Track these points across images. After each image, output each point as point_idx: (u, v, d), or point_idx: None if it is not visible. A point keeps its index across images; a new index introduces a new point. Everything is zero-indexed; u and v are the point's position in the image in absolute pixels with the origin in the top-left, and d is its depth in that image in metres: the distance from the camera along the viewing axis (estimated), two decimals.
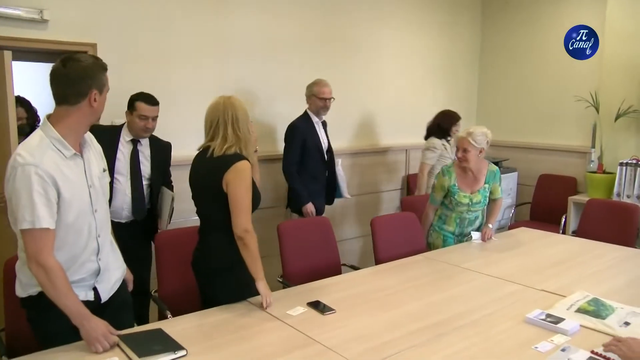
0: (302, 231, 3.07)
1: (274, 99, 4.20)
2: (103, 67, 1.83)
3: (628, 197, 4.40)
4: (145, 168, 3.02)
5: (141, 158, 3.01)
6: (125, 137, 2.97)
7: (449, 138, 4.32)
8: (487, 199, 3.35)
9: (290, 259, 2.94)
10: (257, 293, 2.23)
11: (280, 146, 4.02)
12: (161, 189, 3.11)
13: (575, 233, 4.10)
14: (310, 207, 3.62)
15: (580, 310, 2.13)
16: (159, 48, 3.59)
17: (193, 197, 2.35)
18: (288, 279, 2.87)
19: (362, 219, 4.80)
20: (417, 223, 3.42)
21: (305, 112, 3.82)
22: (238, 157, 2.21)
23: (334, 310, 2.18)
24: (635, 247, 3.51)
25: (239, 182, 2.18)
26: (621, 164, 4.47)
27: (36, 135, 1.78)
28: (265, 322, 2.07)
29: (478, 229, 3.38)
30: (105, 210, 1.99)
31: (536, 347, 1.85)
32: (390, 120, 5.09)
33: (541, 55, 5.42)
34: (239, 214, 2.17)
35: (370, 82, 4.90)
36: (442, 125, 4.33)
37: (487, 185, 3.32)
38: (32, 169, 1.67)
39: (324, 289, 2.47)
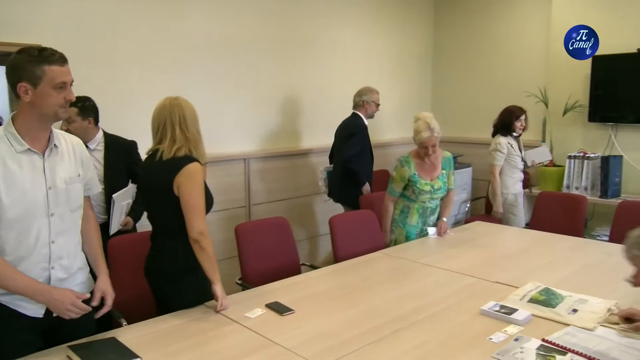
0: (260, 232, 3.05)
1: (227, 98, 4.15)
2: (39, 60, 1.70)
3: (577, 188, 4.56)
4: (98, 172, 2.88)
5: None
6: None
7: (514, 134, 4.25)
8: (447, 179, 3.39)
9: (248, 261, 2.91)
10: (213, 297, 2.19)
11: (231, 147, 4.00)
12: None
13: (528, 225, 4.22)
14: (367, 186, 4.23)
15: (532, 300, 2.19)
16: (108, 48, 3.50)
17: (144, 202, 2.29)
18: (247, 281, 2.84)
19: (320, 217, 4.81)
20: (375, 221, 3.45)
21: (357, 115, 4.30)
22: (188, 159, 2.17)
23: (292, 310, 2.17)
24: (584, 237, 3.64)
25: (190, 184, 2.14)
26: (569, 157, 4.63)
27: None
28: (223, 326, 2.04)
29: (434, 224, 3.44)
30: (70, 218, 1.87)
31: (490, 338, 1.89)
32: (345, 117, 5.11)
33: (492, 52, 5.56)
34: (193, 217, 2.13)
35: (326, 79, 4.92)
36: (504, 122, 4.28)
37: (444, 171, 3.38)
38: None
39: (283, 289, 2.45)
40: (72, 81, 1.79)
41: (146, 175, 2.29)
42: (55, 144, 1.83)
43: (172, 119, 2.19)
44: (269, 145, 4.49)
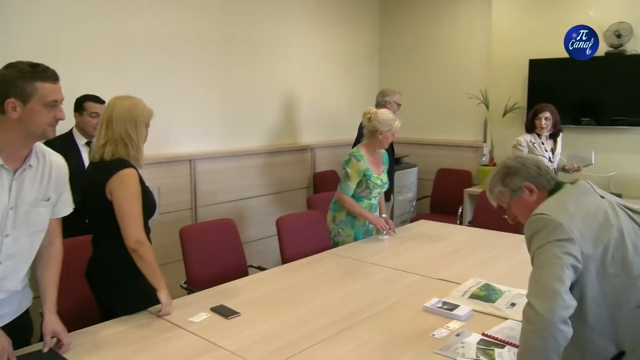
0: (205, 234, 3.00)
1: (173, 98, 4.07)
2: (30, 76, 1.63)
3: None
4: None
5: None
6: (79, 141, 3.08)
7: (538, 132, 4.17)
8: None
9: (194, 264, 2.86)
10: (157, 302, 2.14)
11: (176, 148, 3.92)
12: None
13: (471, 223, 4.35)
14: None
15: (473, 296, 2.26)
16: (48, 45, 3.35)
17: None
18: (193, 285, 2.79)
19: (269, 219, 4.79)
20: (322, 221, 3.46)
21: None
22: (123, 163, 2.10)
23: (238, 313, 2.15)
24: (522, 233, 3.78)
25: (123, 191, 2.06)
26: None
27: None
28: (166, 331, 2.00)
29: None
30: (26, 241, 1.78)
31: (433, 334, 1.94)
32: (296, 119, 5.12)
33: (436, 55, 5.70)
34: (128, 226, 2.06)
35: (275, 81, 4.90)
36: (528, 120, 4.26)
37: (385, 166, 3.47)
38: None
39: (230, 292, 2.43)
40: (63, 99, 1.72)
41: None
42: (30, 164, 1.74)
43: (110, 119, 2.12)
44: (216, 145, 4.43)
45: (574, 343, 1.47)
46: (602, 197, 1.66)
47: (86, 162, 2.95)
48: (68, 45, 3.45)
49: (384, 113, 3.31)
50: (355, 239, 3.36)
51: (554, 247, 1.49)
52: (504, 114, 4.94)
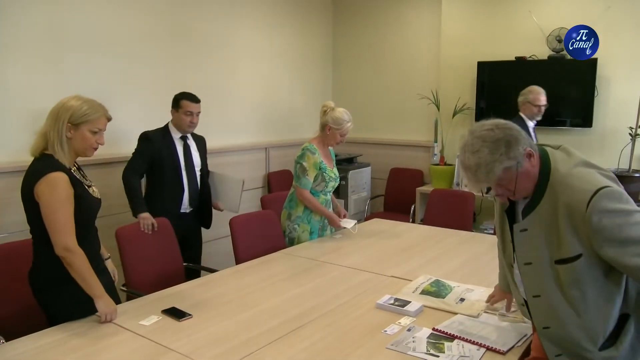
0: (143, 235, 2.96)
1: (121, 98, 3.96)
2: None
3: (465, 186, 4.87)
4: (197, 160, 3.51)
5: (192, 152, 3.47)
6: (174, 135, 3.40)
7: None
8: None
9: (132, 265, 2.79)
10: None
11: (123, 148, 3.82)
12: (220, 175, 3.74)
13: (423, 221, 4.44)
14: None
15: (423, 292, 2.31)
16: None
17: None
18: (133, 287, 2.72)
19: (222, 219, 4.73)
20: (276, 221, 3.45)
21: (519, 117, 4.06)
22: (51, 166, 1.99)
23: (190, 315, 2.12)
24: (472, 231, 3.90)
25: (49, 196, 1.96)
26: (458, 157, 4.91)
27: None
28: (114, 335, 1.94)
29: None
30: None
31: (385, 331, 1.97)
32: (249, 119, 5.09)
33: (388, 56, 5.79)
34: (54, 233, 1.97)
35: (226, 80, 4.85)
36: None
37: (334, 160, 3.54)
38: None
39: (182, 294, 2.39)
40: None
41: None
42: None
43: (49, 115, 2.04)
44: None
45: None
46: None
47: (180, 155, 3.39)
48: (5, 41, 3.30)
49: (340, 112, 3.32)
50: (311, 233, 3.37)
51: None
52: (454, 115, 5.07)
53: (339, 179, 3.51)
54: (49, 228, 1.98)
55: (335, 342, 1.89)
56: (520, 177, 1.55)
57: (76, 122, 2.03)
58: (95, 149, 2.12)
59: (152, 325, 2.03)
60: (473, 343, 1.83)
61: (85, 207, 2.09)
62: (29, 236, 2.17)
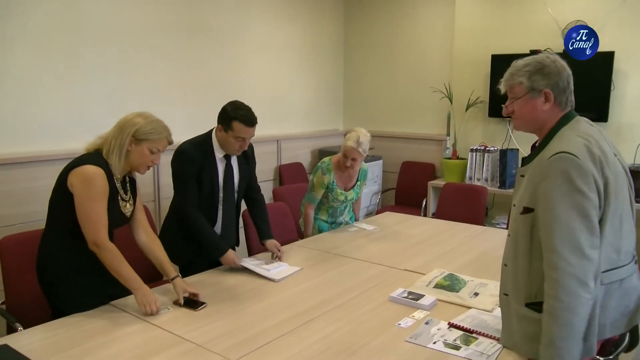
0: None
1: (135, 91, 3.97)
2: None
3: (478, 180, 4.84)
4: (237, 182, 2.79)
5: (234, 173, 2.76)
6: (217, 154, 2.66)
7: None
8: (358, 189, 3.46)
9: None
10: (107, 299, 2.14)
11: None
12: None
13: (435, 215, 4.42)
14: None
15: (437, 286, 2.30)
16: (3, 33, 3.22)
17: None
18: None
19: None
20: (289, 213, 3.46)
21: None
22: (94, 161, 2.03)
23: (205, 303, 2.13)
24: (485, 225, 3.88)
25: (83, 190, 2.00)
26: (472, 150, 4.90)
27: None
28: (129, 324, 1.95)
29: (351, 219, 3.59)
30: None
31: (399, 324, 1.96)
32: (260, 111, 5.02)
33: (400, 48, 5.74)
34: (85, 228, 2.01)
35: (237, 72, 4.84)
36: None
37: (359, 182, 3.45)
38: None
39: (196, 284, 2.39)
40: None
41: None
42: None
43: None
44: (179, 137, 4.33)
45: None
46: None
47: (220, 179, 2.70)
48: (21, 33, 3.32)
49: (350, 133, 3.23)
50: (320, 231, 3.40)
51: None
52: (467, 108, 5.02)
53: (352, 200, 3.45)
54: (80, 222, 2.01)
55: (349, 335, 1.88)
56: (523, 104, 1.65)
57: (139, 137, 2.09)
58: (149, 167, 2.19)
59: (167, 315, 2.04)
60: (491, 338, 1.82)
61: (111, 210, 2.10)
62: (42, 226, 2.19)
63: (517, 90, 1.66)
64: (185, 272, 2.60)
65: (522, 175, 1.67)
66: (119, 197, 2.16)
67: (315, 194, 3.31)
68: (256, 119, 2.61)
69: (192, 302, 2.15)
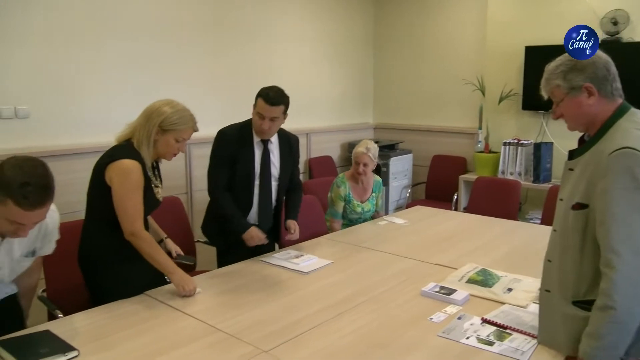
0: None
1: (161, 83, 4.02)
2: (10, 194, 1.54)
3: (511, 174, 4.76)
4: (275, 170, 2.77)
5: (272, 159, 2.75)
6: (255, 138, 2.69)
7: None
8: (375, 206, 3.53)
9: None
10: (150, 285, 2.20)
11: None
12: None
13: (466, 209, 4.37)
14: None
15: (470, 281, 2.27)
16: (36, 28, 3.30)
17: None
18: None
19: None
20: (318, 206, 3.46)
21: None
22: (128, 154, 2.09)
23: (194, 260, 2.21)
24: (518, 220, 3.81)
25: (121, 183, 2.07)
26: (504, 144, 4.81)
27: None
28: (163, 314, 1.99)
29: None
30: (7, 282, 1.91)
31: (431, 319, 1.94)
32: (290, 104, 5.08)
33: (431, 40, 5.67)
34: (123, 218, 2.09)
35: (267, 67, 4.85)
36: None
37: (374, 194, 3.51)
38: None
39: (228, 275, 2.43)
40: (35, 222, 1.66)
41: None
42: None
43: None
44: (210, 131, 4.39)
45: None
46: None
47: (257, 162, 2.70)
48: (50, 28, 3.39)
49: (362, 141, 3.45)
50: None
51: None
52: (500, 101, 4.93)
53: (369, 212, 3.48)
54: (118, 213, 2.08)
55: (381, 328, 1.88)
56: (568, 103, 1.60)
57: (165, 128, 2.14)
58: (175, 154, 2.24)
59: (200, 305, 2.07)
60: (526, 334, 1.79)
61: (147, 199, 2.17)
62: (79, 217, 2.26)
63: (558, 94, 1.62)
64: (222, 259, 2.71)
65: (571, 169, 1.62)
66: (152, 185, 2.22)
67: (336, 208, 3.38)
68: (279, 102, 2.60)
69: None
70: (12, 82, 3.22)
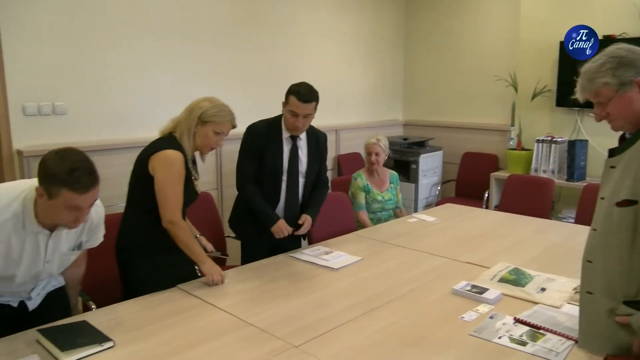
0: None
1: (191, 80, 4.07)
2: (61, 182, 1.62)
3: (544, 172, 4.67)
4: (302, 166, 2.79)
5: (300, 156, 2.77)
6: (284, 133, 2.71)
7: None
8: (396, 197, 3.67)
9: None
10: (183, 280, 2.23)
11: None
12: None
13: (497, 207, 4.30)
14: None
15: (502, 280, 2.24)
16: (65, 23, 3.37)
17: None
18: None
19: None
20: (348, 203, 3.46)
21: None
22: (171, 145, 2.17)
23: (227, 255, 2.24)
24: (551, 219, 3.74)
25: (163, 173, 2.15)
26: (537, 141, 4.72)
27: (10, 197, 1.71)
28: (195, 307, 2.02)
29: None
30: (56, 274, 1.99)
31: (462, 317, 1.92)
32: (319, 101, 5.08)
33: (462, 36, 5.59)
34: (163, 207, 2.17)
35: (296, 63, 4.87)
36: None
37: (392, 185, 3.67)
38: None
39: (258, 270, 2.45)
40: (90, 203, 1.73)
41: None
42: None
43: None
44: (239, 128, 4.43)
45: None
46: None
47: (285, 158, 2.72)
48: (85, 26, 3.47)
49: (372, 135, 3.72)
50: None
51: None
52: (533, 97, 4.84)
53: (390, 202, 3.64)
54: (159, 201, 2.16)
55: (411, 326, 1.87)
56: (618, 101, 1.53)
57: (204, 119, 2.24)
58: (213, 148, 2.32)
59: (231, 299, 2.10)
60: (560, 335, 1.75)
61: (183, 194, 2.23)
62: (117, 211, 2.31)
63: (606, 92, 1.54)
64: (246, 253, 2.77)
65: (613, 167, 1.58)
66: (192, 177, 2.30)
67: (358, 199, 3.56)
68: (311, 98, 2.61)
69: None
70: (50, 80, 3.31)
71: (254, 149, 2.67)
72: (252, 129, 2.72)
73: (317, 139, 2.83)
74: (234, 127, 2.34)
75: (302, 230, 2.75)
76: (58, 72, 3.34)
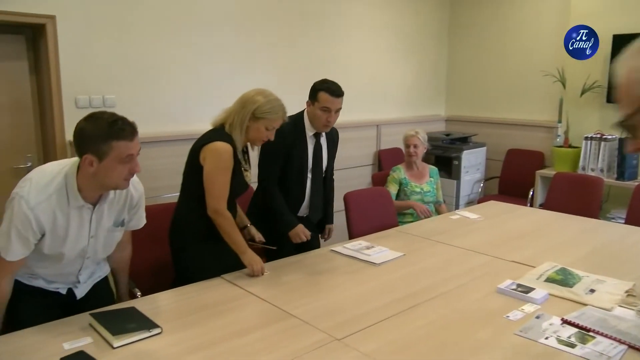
0: None
1: (237, 73, 4.12)
2: (107, 135, 1.68)
3: (592, 170, 4.52)
4: (324, 163, 2.89)
5: (323, 153, 2.85)
6: (308, 132, 2.75)
7: None
8: (436, 191, 3.65)
9: None
10: (230, 269, 2.27)
11: None
12: None
13: (542, 206, 4.19)
14: None
15: (549, 280, 2.18)
16: (119, 17, 3.47)
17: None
18: None
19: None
20: (389, 197, 3.45)
21: None
22: (221, 137, 2.22)
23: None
24: (599, 218, 3.62)
25: (212, 164, 2.20)
26: (586, 138, 4.57)
27: (53, 173, 1.76)
28: (239, 298, 2.06)
29: None
30: (102, 256, 2.04)
31: (507, 316, 1.89)
32: (360, 95, 5.07)
33: (509, 31, 5.46)
34: (209, 196, 2.22)
35: (338, 57, 4.86)
36: None
37: (432, 179, 3.65)
38: (24, 207, 1.68)
39: (301, 263, 2.47)
40: (139, 150, 1.79)
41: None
42: (109, 195, 1.88)
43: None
44: None
45: None
46: None
47: (309, 156, 2.77)
48: (136, 20, 3.55)
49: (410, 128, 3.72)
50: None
51: None
52: (582, 93, 4.68)
53: (429, 194, 3.63)
54: (206, 191, 2.22)
55: (454, 324, 1.85)
56: None
57: (257, 115, 2.27)
58: (264, 141, 2.35)
59: (273, 290, 2.12)
60: (612, 339, 1.70)
61: (232, 185, 2.27)
62: (163, 201, 2.37)
63: None
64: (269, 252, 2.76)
65: None
66: (242, 168, 2.35)
67: (390, 189, 3.57)
68: (341, 92, 2.67)
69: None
70: (101, 73, 3.42)
71: (280, 148, 2.64)
72: (279, 130, 2.55)
73: (333, 135, 2.90)
74: (285, 121, 2.36)
75: (328, 239, 2.91)
76: (109, 65, 3.45)
